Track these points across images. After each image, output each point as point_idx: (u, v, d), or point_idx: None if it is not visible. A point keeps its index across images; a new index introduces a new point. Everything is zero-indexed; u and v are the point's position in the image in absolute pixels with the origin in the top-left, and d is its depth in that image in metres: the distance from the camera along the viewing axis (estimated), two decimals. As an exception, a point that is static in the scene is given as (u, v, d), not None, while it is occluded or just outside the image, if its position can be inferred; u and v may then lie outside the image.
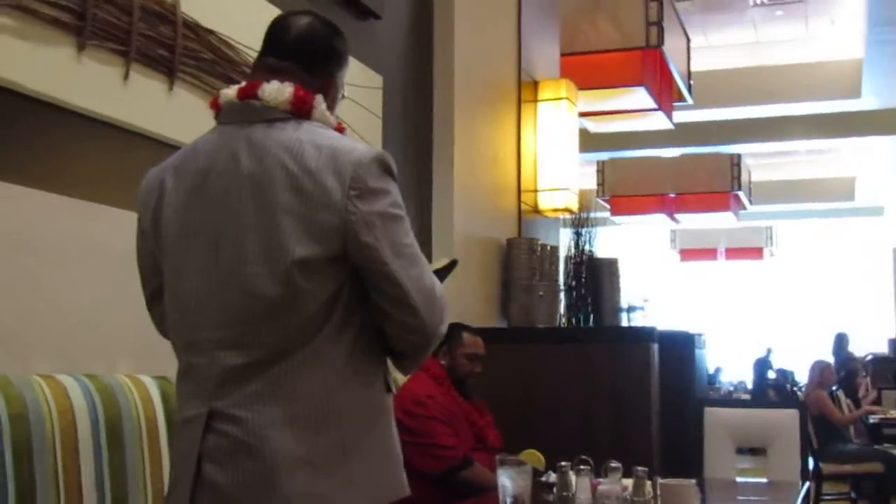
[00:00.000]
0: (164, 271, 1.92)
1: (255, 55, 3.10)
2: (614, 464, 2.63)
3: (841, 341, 13.22)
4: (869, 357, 13.25)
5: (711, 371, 13.11)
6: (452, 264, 2.20)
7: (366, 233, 1.77)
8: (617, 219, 13.93)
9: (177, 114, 2.90)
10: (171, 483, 1.88)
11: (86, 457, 2.17)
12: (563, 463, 2.63)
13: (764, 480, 4.38)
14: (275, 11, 3.27)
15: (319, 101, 1.92)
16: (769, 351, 16.99)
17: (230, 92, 1.92)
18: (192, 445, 1.78)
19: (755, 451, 4.64)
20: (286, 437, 1.74)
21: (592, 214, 5.72)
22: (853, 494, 7.87)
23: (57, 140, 2.54)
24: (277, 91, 1.88)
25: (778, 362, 15.96)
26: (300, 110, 1.88)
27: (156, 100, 2.84)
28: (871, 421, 8.97)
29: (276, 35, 1.99)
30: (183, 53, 2.92)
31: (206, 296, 1.82)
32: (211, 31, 3.07)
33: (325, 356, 1.78)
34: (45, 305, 2.42)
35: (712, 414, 4.57)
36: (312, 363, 1.77)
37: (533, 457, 3.27)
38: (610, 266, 5.45)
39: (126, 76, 2.71)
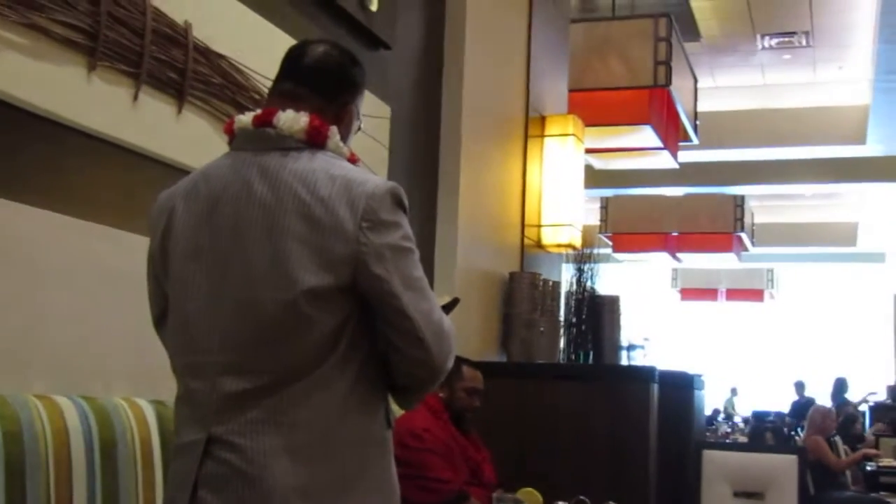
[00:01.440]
0: (169, 294, 1.91)
1: (265, 81, 3.14)
2: (611, 505, 2.61)
3: (840, 387, 13.19)
4: (868, 402, 13.23)
5: (709, 412, 13.06)
6: (454, 302, 2.18)
7: (376, 264, 1.77)
8: (619, 256, 13.92)
9: (185, 137, 2.90)
10: (164, 508, 1.87)
11: (78, 478, 2.15)
12: (560, 503, 2.61)
13: (760, 525, 4.35)
14: (285, 38, 3.30)
15: (334, 132, 1.92)
16: (733, 391, 17.22)
17: (245, 118, 1.92)
18: (189, 471, 1.76)
19: (752, 496, 4.61)
20: (285, 466, 1.72)
21: (595, 251, 5.71)
22: (848, 542, 7.81)
23: (63, 159, 2.54)
24: (293, 120, 1.88)
25: (776, 405, 15.99)
26: (315, 140, 1.88)
27: (164, 123, 2.84)
28: (869, 468, 8.92)
29: (293, 61, 1.99)
30: (193, 77, 2.92)
31: (210, 320, 1.81)
32: (222, 56, 3.07)
33: (328, 386, 1.77)
34: (44, 325, 2.41)
35: (710, 457, 4.56)
36: (315, 392, 1.76)
37: (531, 495, 3.25)
38: (611, 303, 5.43)
39: (136, 98, 2.71)
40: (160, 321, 2.01)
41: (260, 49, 3.20)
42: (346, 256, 1.76)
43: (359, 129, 2.06)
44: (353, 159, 1.95)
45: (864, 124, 11.21)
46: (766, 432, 12.87)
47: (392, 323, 1.81)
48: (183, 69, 2.88)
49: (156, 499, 2.34)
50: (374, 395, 1.86)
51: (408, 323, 1.79)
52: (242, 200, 1.82)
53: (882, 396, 14.41)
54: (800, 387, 15.82)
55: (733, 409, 16.98)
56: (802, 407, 14.15)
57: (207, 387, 1.79)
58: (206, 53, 2.99)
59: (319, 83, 1.95)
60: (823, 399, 12.44)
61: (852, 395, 13.75)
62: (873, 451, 9.10)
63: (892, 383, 15.35)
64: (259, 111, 1.92)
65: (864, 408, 13.08)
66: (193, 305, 1.84)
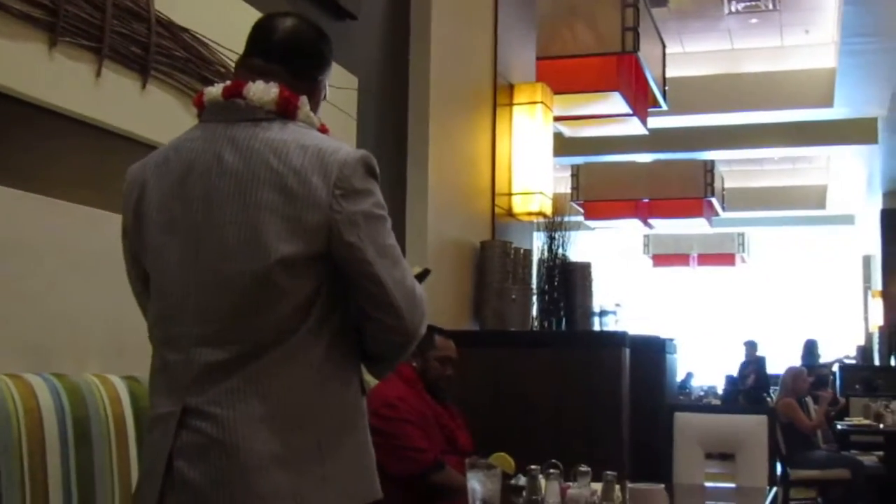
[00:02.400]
0: (147, 268, 1.91)
1: (230, 54, 3.12)
2: (583, 468, 2.64)
3: (811, 348, 13.32)
4: (841, 363, 13.37)
5: (683, 376, 13.14)
6: (425, 273, 2.20)
7: (350, 232, 1.78)
8: (591, 223, 13.97)
9: (149, 112, 2.88)
10: (140, 479, 1.88)
11: (52, 456, 2.14)
12: (532, 466, 2.64)
13: (732, 486, 4.41)
14: (250, 11, 3.28)
15: (304, 102, 1.93)
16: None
17: (215, 90, 1.92)
18: (164, 442, 1.77)
19: (724, 457, 4.67)
20: (261, 434, 1.74)
21: (566, 219, 5.73)
22: (820, 500, 7.94)
23: (27, 137, 2.52)
24: (263, 91, 1.88)
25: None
26: (285, 110, 1.89)
27: (128, 98, 2.81)
28: (840, 428, 9.04)
29: (262, 36, 1.98)
30: (156, 51, 2.90)
31: (185, 292, 1.82)
32: (185, 30, 3.05)
33: (303, 354, 1.79)
34: (13, 304, 2.39)
35: (682, 419, 4.61)
36: (289, 361, 1.78)
37: (503, 460, 3.28)
38: (583, 270, 5.45)
39: (98, 73, 2.69)
40: (142, 296, 2.01)
41: (224, 21, 3.18)
42: (319, 224, 1.77)
43: (324, 97, 2.07)
44: (323, 129, 1.96)
45: (830, 87, 11.25)
46: (738, 395, 13.01)
47: (365, 290, 1.83)
48: (146, 43, 2.85)
49: (131, 474, 2.34)
50: (348, 363, 1.88)
51: (381, 289, 1.82)
52: (213, 171, 1.83)
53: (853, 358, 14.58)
54: (751, 346, 14.39)
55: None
56: (753, 367, 13.90)
57: (183, 358, 1.80)
58: (168, 27, 2.97)
59: (291, 60, 1.96)
60: (792, 361, 12.55)
61: (825, 356, 13.88)
62: (829, 392, 9.14)
63: (861, 343, 15.54)
64: (228, 83, 1.92)
65: (834, 368, 13.23)
66: (168, 277, 1.85)
